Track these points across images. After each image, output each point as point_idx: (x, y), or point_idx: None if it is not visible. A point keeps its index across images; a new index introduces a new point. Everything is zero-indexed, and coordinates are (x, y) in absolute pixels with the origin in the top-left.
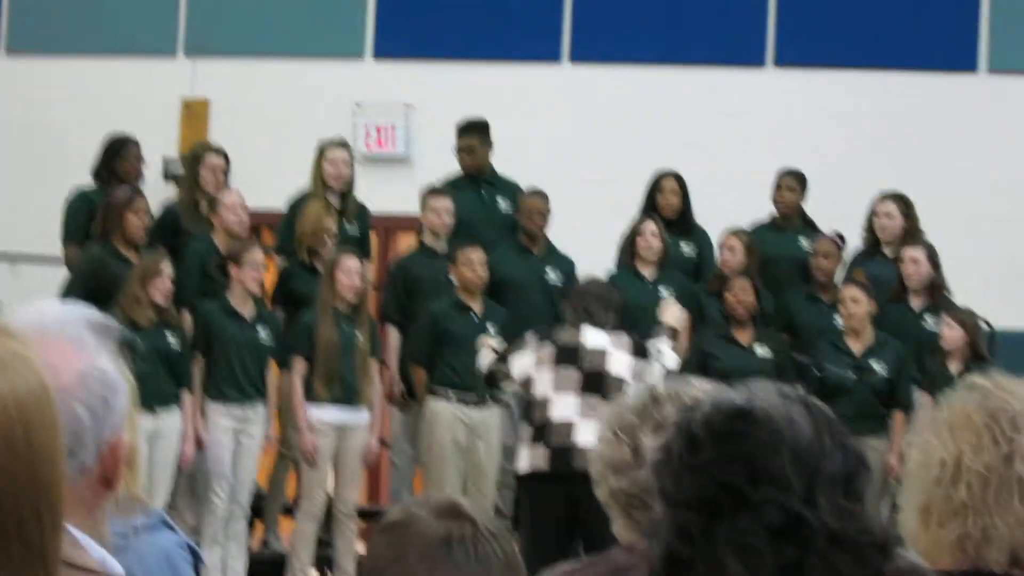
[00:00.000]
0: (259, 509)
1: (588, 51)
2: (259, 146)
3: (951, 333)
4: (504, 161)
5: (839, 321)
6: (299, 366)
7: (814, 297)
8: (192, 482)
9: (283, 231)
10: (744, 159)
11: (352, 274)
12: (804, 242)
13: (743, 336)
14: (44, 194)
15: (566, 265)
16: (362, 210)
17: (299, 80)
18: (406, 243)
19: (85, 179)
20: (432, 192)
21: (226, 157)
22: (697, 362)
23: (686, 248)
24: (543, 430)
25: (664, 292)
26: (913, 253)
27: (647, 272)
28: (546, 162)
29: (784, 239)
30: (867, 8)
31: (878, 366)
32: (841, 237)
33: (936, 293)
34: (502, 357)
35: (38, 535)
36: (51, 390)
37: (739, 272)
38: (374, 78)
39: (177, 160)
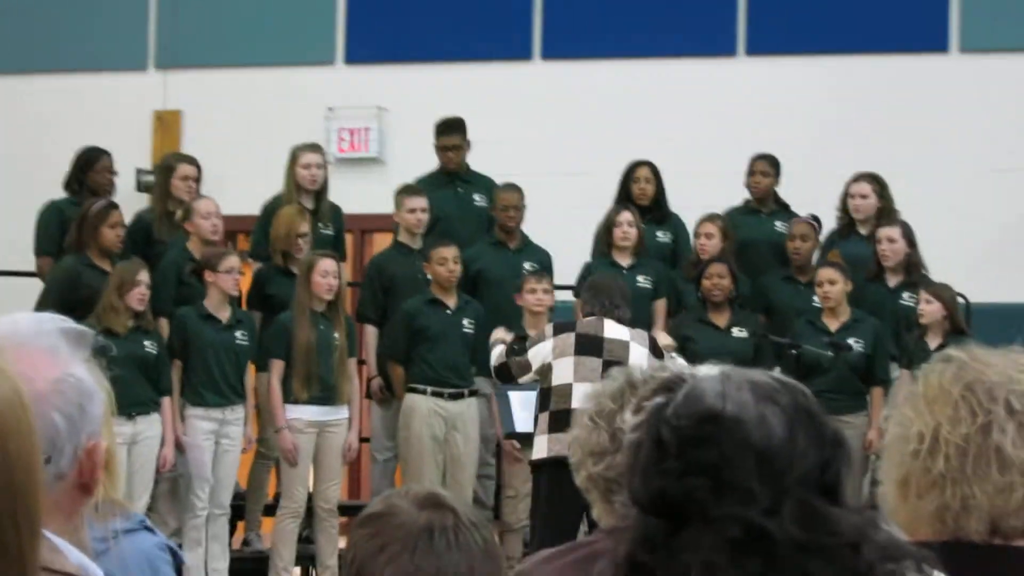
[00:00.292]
0: (240, 509)
1: (559, 48)
2: (232, 154)
3: (929, 308)
4: (479, 158)
5: (817, 302)
6: (277, 368)
7: (791, 279)
8: (174, 486)
9: (257, 235)
10: (718, 147)
11: (328, 276)
12: (780, 225)
13: (720, 319)
14: (19, 209)
15: (543, 257)
16: (336, 212)
17: (271, 88)
18: (381, 243)
19: (59, 193)
20: (405, 191)
21: (198, 166)
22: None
23: (661, 235)
24: (564, 417)
25: (641, 279)
26: (889, 232)
27: (624, 261)
28: (520, 158)
29: (760, 223)
30: None
31: (855, 342)
32: (817, 220)
33: (913, 271)
34: (513, 350)
35: (15, 542)
36: (26, 398)
37: (715, 257)
38: (346, 83)
39: (150, 171)
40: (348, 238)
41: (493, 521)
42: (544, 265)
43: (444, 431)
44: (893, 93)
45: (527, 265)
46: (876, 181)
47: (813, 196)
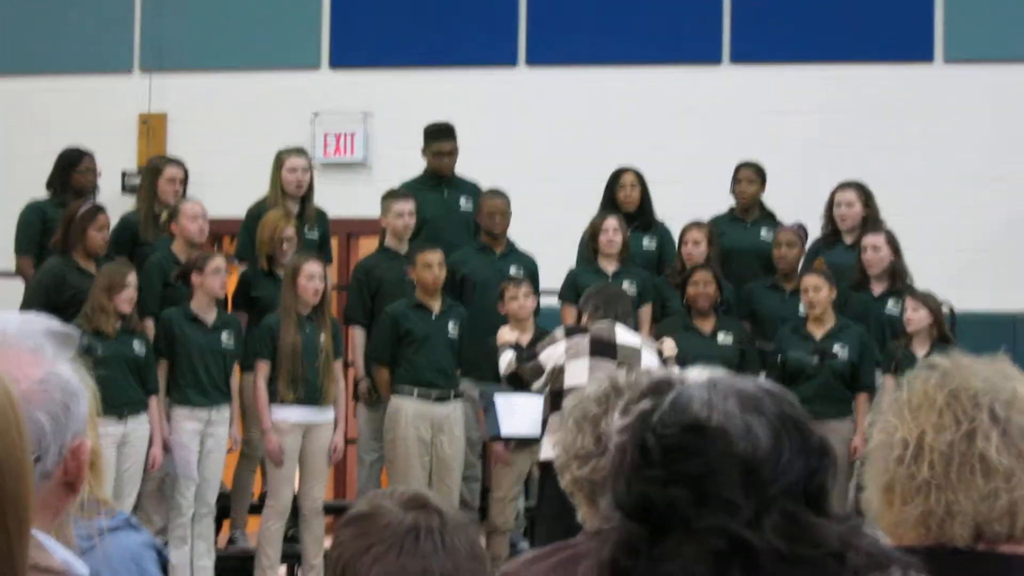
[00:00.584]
0: (226, 508)
1: (544, 54)
2: (218, 157)
3: (916, 315)
4: (464, 164)
5: (802, 310)
6: (262, 369)
7: (777, 287)
8: (160, 484)
9: (243, 238)
10: (703, 155)
11: (314, 279)
12: (765, 233)
13: (705, 325)
14: (3, 211)
15: (528, 263)
16: (321, 215)
17: (256, 91)
18: (366, 247)
19: (44, 194)
20: (392, 195)
21: (185, 169)
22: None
23: (647, 242)
24: None
25: (626, 286)
26: (874, 240)
27: (609, 267)
28: (506, 164)
29: (745, 230)
30: (821, 1)
31: (840, 349)
32: (803, 228)
33: (897, 279)
34: (522, 356)
35: (4, 542)
36: (17, 399)
37: (701, 264)
38: (331, 87)
39: (136, 173)
40: (333, 242)
41: (479, 523)
42: (529, 270)
43: (430, 433)
44: (878, 102)
45: (512, 270)
46: (861, 189)
47: (798, 204)
